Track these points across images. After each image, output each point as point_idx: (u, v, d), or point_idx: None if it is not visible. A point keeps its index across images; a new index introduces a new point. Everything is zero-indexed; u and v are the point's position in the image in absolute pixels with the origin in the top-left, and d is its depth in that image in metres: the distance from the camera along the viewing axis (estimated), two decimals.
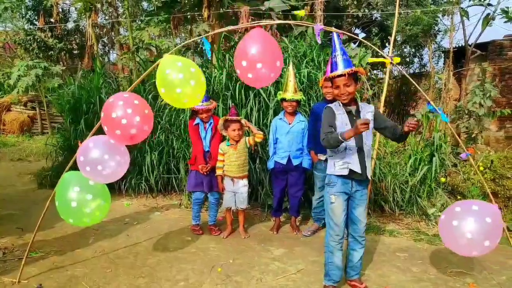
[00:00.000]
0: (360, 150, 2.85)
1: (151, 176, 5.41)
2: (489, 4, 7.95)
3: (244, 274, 3.24)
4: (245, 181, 4.00)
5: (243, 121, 3.93)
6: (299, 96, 3.98)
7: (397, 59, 3.71)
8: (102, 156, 2.86)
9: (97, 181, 2.97)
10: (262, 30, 2.87)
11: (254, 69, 2.81)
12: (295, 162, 4.02)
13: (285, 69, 4.97)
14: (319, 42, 3.54)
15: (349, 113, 2.89)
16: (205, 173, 3.99)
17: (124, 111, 2.79)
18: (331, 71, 2.98)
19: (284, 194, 4.27)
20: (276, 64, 2.89)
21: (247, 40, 2.81)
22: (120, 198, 5.40)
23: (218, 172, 3.99)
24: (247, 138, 3.98)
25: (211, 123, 4.06)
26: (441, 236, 2.84)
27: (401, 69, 4.06)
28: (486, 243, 2.59)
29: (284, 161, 4.01)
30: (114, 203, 5.14)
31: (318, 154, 4.01)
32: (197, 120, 4.07)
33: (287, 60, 5.07)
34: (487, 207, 2.73)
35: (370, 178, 2.96)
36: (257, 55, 2.76)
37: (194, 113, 4.09)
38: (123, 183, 5.45)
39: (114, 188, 5.44)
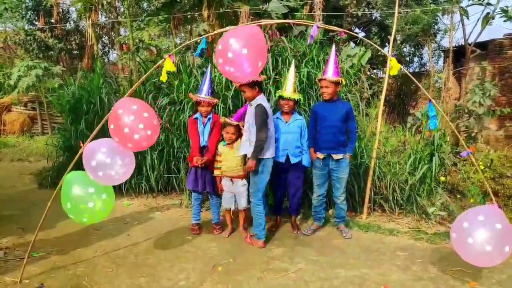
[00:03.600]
0: None
1: (151, 176, 5.42)
2: (489, 3, 7.94)
3: (244, 273, 3.25)
4: (244, 181, 3.99)
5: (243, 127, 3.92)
6: (297, 96, 4.01)
7: (395, 71, 3.74)
8: (112, 160, 3.01)
9: (104, 183, 3.09)
10: (252, 28, 2.99)
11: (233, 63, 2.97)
12: (294, 160, 4.04)
13: (285, 68, 5.00)
14: (309, 42, 3.81)
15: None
16: (200, 165, 3.95)
17: (136, 126, 2.95)
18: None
19: (284, 192, 4.27)
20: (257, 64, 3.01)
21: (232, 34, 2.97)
22: (120, 198, 5.41)
23: (216, 172, 4.00)
24: None
25: (209, 118, 4.06)
26: (460, 254, 2.92)
27: (403, 68, 4.06)
28: (506, 249, 2.68)
29: (282, 160, 4.04)
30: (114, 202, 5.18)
31: (317, 152, 4.03)
32: (196, 115, 4.09)
33: (287, 59, 5.08)
34: (491, 213, 2.78)
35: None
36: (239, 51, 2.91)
37: (196, 105, 4.12)
38: (123, 183, 5.46)
39: (115, 188, 5.43)
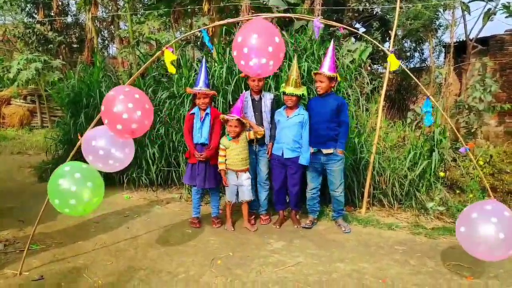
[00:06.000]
0: None
1: (151, 169, 5.43)
2: None
3: (244, 266, 3.26)
4: (248, 174, 4.05)
5: (244, 120, 3.95)
6: (300, 91, 3.98)
7: (395, 66, 3.71)
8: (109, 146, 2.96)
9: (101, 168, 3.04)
10: (262, 20, 2.94)
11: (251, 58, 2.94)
12: (288, 155, 4.03)
13: (286, 63, 4.98)
14: (317, 37, 3.77)
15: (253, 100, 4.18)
16: (203, 159, 3.95)
17: (125, 105, 2.82)
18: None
19: (283, 186, 4.27)
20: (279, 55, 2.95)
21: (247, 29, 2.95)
22: (120, 191, 5.42)
23: (221, 167, 4.00)
24: (247, 132, 4.01)
25: (208, 113, 4.04)
26: (467, 250, 2.89)
27: (401, 64, 4.05)
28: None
29: (279, 153, 4.07)
30: (114, 196, 5.20)
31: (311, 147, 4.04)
32: (194, 110, 4.07)
33: (288, 54, 5.06)
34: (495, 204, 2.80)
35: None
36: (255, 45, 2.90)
37: (193, 99, 4.11)
38: (124, 176, 5.47)
39: (115, 181, 5.46)
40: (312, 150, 4.02)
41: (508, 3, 7.75)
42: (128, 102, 2.84)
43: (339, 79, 4.01)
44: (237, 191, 4.06)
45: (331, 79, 3.91)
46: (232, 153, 3.97)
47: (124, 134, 2.94)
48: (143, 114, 2.91)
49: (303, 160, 4.02)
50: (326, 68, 3.90)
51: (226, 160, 4.00)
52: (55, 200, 2.85)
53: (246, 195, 4.04)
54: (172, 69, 3.39)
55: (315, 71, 4.06)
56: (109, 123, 2.89)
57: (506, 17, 7.84)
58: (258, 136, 4.03)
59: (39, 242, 3.64)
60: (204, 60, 4.13)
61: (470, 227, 2.79)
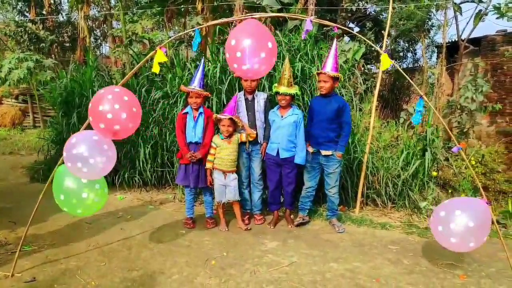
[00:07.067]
0: None
1: (145, 169, 5.40)
2: (481, 1, 7.99)
3: (237, 266, 3.26)
4: (235, 175, 4.07)
5: (236, 119, 3.97)
6: (293, 90, 3.98)
7: (386, 66, 3.71)
8: (87, 153, 2.88)
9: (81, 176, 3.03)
10: (254, 23, 2.96)
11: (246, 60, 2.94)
12: (284, 155, 4.03)
13: (279, 63, 4.98)
14: (304, 38, 3.83)
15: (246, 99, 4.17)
16: (195, 159, 3.95)
17: (111, 105, 2.84)
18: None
19: (278, 186, 4.27)
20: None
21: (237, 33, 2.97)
22: (113, 192, 5.38)
23: (208, 165, 4.01)
24: (239, 134, 4.02)
25: (201, 113, 4.02)
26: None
27: (395, 64, 4.07)
28: (471, 245, 2.88)
29: (274, 153, 4.06)
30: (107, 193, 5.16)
31: (309, 146, 4.05)
32: (187, 109, 4.06)
33: (281, 54, 5.07)
34: (472, 209, 2.89)
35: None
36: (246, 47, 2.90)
37: (186, 98, 4.10)
38: (117, 177, 5.44)
39: (108, 182, 5.41)
40: (311, 150, 4.03)
41: (499, 4, 7.82)
42: (115, 103, 2.85)
43: (341, 79, 4.01)
44: (225, 191, 4.08)
45: (335, 79, 3.92)
46: (223, 153, 3.97)
47: (107, 134, 2.95)
48: (129, 117, 2.92)
49: (299, 159, 4.02)
50: (329, 67, 3.89)
51: (214, 159, 4.00)
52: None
53: (232, 195, 4.05)
54: (156, 69, 3.37)
55: (318, 71, 4.04)
56: (93, 120, 2.90)
57: (497, 18, 7.89)
58: (250, 139, 4.05)
59: (31, 243, 3.61)
60: (203, 60, 4.12)
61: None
